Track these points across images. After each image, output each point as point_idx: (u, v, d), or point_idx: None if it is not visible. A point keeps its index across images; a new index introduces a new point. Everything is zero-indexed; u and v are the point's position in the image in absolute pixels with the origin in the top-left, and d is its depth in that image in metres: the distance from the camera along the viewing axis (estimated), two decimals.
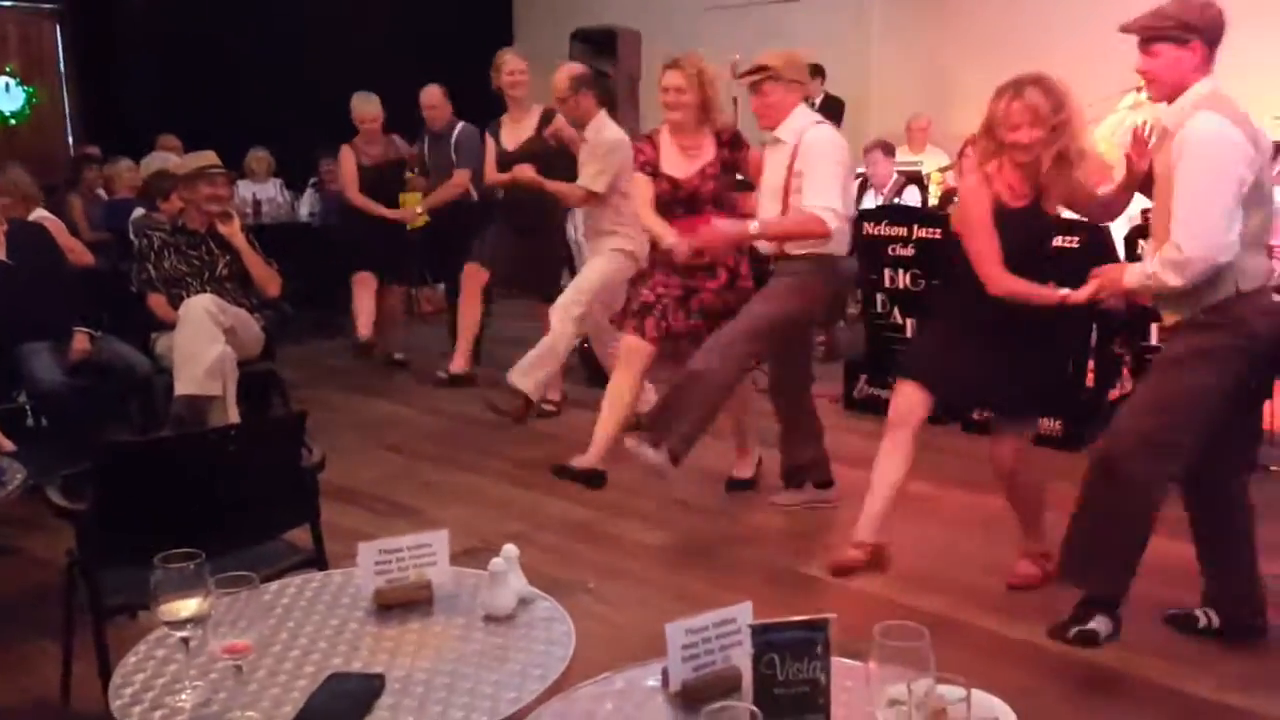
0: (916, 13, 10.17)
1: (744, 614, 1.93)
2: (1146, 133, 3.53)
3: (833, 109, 9.86)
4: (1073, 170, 3.57)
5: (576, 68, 5.61)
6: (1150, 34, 3.18)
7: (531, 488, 5.19)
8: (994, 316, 3.61)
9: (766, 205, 4.45)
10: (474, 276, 6.47)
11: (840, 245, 4.43)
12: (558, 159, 5.94)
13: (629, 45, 7.87)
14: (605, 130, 5.58)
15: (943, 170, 8.31)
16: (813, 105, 9.83)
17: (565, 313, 5.67)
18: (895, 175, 8.05)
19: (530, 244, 6.29)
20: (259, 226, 7.75)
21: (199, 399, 5.05)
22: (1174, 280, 3.15)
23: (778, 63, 4.34)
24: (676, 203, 4.68)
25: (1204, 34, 3.16)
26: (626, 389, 4.95)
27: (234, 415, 5.08)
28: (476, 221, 6.68)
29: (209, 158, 5.51)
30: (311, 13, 10.11)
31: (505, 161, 6.05)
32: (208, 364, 5.00)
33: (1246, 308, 3.22)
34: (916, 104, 9.46)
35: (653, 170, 4.71)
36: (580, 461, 5.07)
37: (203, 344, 5.04)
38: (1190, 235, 3.10)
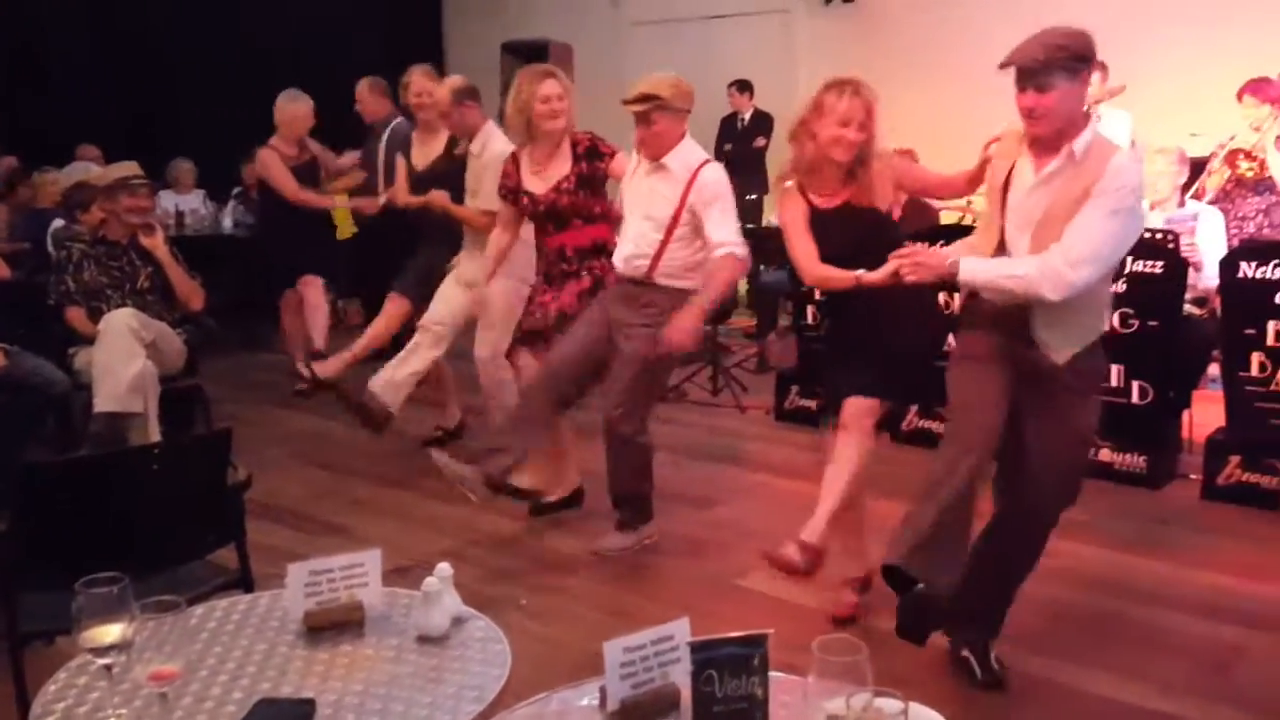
0: (843, 28, 10.29)
1: (682, 630, 1.92)
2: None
3: (762, 124, 9.98)
4: (871, 168, 3.62)
5: (458, 80, 5.45)
6: (1049, 67, 2.99)
7: (462, 503, 5.12)
8: (852, 328, 3.72)
9: (646, 233, 4.26)
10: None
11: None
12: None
13: (560, 58, 7.89)
14: (492, 143, 5.32)
15: None
16: (742, 121, 9.99)
17: (494, 362, 5.38)
18: None
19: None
20: (182, 238, 7.61)
21: (119, 416, 4.93)
22: (1051, 294, 3.03)
23: (667, 92, 4.15)
24: (541, 217, 4.66)
25: (1092, 63, 3.08)
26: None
27: (155, 433, 4.97)
28: (406, 235, 6.51)
29: (130, 168, 5.40)
30: (236, 23, 9.97)
31: (415, 182, 5.81)
32: (128, 380, 4.89)
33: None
34: None
35: (515, 189, 4.68)
36: (556, 494, 4.98)
37: (123, 359, 4.92)
38: (1086, 262, 3.02)
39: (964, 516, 3.16)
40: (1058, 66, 2.98)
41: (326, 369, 5.88)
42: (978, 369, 3.28)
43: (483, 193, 5.31)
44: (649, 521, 4.60)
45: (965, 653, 3.44)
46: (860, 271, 3.44)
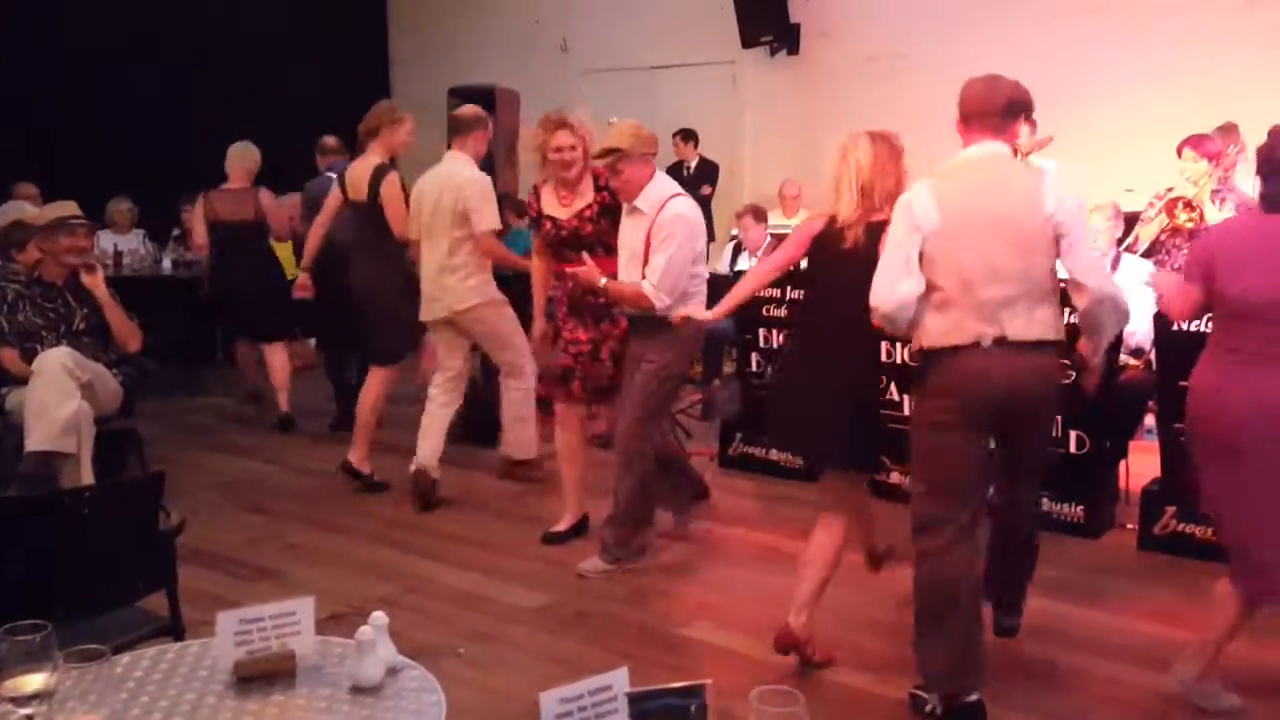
0: (787, 80, 10.44)
1: (620, 680, 1.89)
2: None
3: (708, 172, 10.07)
4: None
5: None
6: None
7: (401, 549, 5.08)
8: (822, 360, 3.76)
9: (628, 268, 4.60)
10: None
11: (702, 308, 4.59)
12: None
13: (508, 104, 7.91)
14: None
15: None
16: (688, 170, 10.07)
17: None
18: (768, 238, 8.21)
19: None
20: (120, 279, 7.53)
21: (52, 456, 4.81)
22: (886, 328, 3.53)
23: (626, 143, 4.45)
24: (563, 244, 4.88)
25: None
26: (577, 445, 5.13)
27: (88, 475, 4.86)
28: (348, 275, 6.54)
29: (69, 208, 5.30)
30: (181, 61, 9.90)
31: None
32: (63, 420, 4.78)
33: (938, 364, 3.40)
34: (788, 169, 9.68)
35: (537, 216, 4.97)
36: (563, 525, 5.16)
37: (58, 399, 4.81)
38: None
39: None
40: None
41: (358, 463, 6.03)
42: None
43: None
44: (637, 554, 4.78)
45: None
46: None
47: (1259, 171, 3.46)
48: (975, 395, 3.34)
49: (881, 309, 3.39)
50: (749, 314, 6.14)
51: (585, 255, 4.61)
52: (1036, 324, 3.33)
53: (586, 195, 4.87)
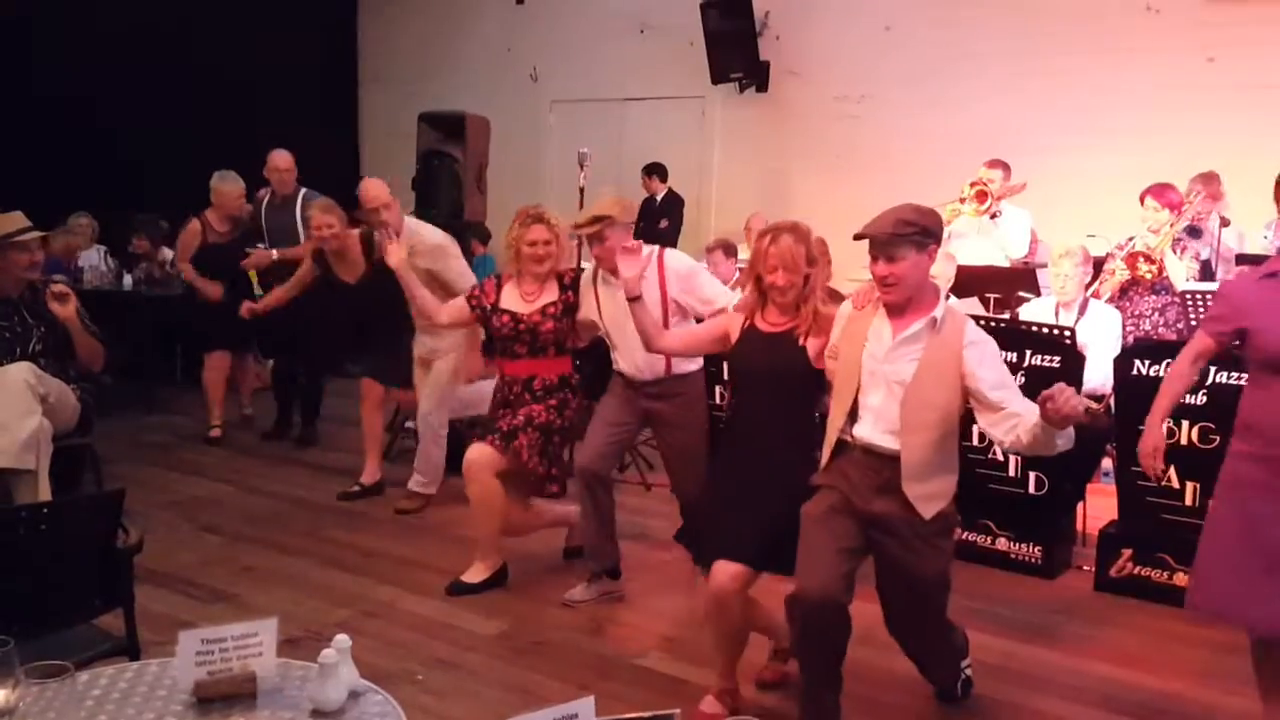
0: (755, 116, 10.54)
1: (586, 710, 1.89)
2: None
3: (674, 205, 10.11)
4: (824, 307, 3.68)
5: (383, 185, 5.79)
6: (898, 239, 3.27)
7: (358, 573, 5.04)
8: (745, 461, 3.72)
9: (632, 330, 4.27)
10: (371, 388, 6.29)
11: None
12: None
13: (478, 130, 7.89)
14: (425, 231, 5.79)
15: None
16: (656, 203, 10.12)
17: (437, 414, 5.95)
18: (737, 273, 8.25)
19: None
20: (79, 293, 7.41)
21: (9, 473, 4.72)
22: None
23: (615, 210, 4.46)
24: (517, 338, 4.71)
25: (938, 240, 3.40)
26: (498, 489, 4.74)
27: (46, 492, 4.77)
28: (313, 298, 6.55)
29: (17, 220, 5.05)
30: (153, 85, 9.80)
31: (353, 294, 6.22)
32: (24, 436, 4.67)
33: None
34: (754, 204, 9.76)
35: (486, 306, 4.78)
36: (477, 575, 4.87)
37: (19, 415, 4.70)
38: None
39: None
40: (907, 240, 3.28)
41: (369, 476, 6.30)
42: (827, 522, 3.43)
43: (452, 278, 5.64)
44: (615, 577, 4.83)
45: None
46: None
47: None
48: None
49: None
50: None
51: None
52: None
53: (551, 293, 4.73)
